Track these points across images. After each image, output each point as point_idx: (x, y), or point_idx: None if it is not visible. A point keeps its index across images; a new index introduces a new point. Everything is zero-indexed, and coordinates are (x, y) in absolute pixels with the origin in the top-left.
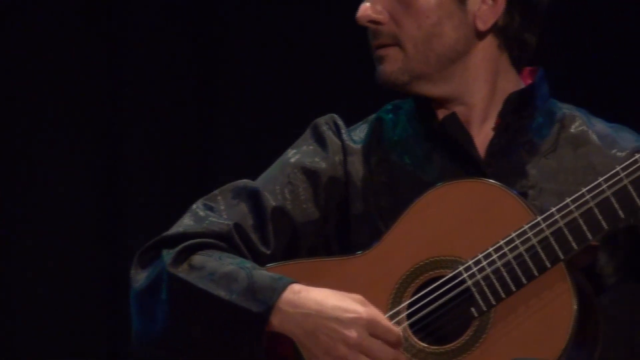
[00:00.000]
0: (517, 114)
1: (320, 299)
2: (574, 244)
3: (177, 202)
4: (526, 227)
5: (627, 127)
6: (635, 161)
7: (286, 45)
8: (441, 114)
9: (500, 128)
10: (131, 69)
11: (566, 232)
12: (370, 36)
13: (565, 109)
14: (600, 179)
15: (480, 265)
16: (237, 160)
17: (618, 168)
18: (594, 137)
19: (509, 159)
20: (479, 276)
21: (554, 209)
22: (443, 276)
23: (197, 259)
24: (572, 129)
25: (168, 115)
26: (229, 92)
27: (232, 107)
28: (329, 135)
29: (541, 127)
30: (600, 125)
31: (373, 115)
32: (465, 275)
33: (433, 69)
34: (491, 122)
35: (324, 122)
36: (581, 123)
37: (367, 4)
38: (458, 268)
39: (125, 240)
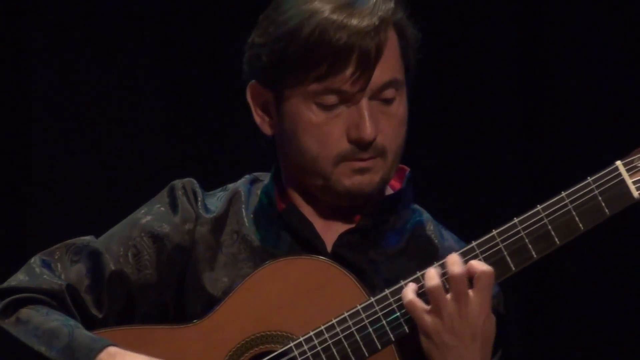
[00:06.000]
0: (378, 218)
1: None
2: (405, 327)
3: None
4: (359, 307)
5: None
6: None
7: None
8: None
9: (356, 228)
10: None
11: (399, 314)
12: (353, 149)
13: (422, 216)
14: (437, 264)
15: (312, 343)
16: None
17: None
18: (440, 250)
19: (355, 257)
20: (309, 353)
21: (387, 292)
22: (274, 351)
23: (25, 312)
24: (423, 239)
25: None
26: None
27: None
28: (183, 201)
29: (395, 233)
30: (450, 240)
31: (232, 185)
32: (296, 352)
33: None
34: (354, 220)
35: (180, 187)
36: (431, 234)
37: (371, 122)
38: (289, 344)
39: None
